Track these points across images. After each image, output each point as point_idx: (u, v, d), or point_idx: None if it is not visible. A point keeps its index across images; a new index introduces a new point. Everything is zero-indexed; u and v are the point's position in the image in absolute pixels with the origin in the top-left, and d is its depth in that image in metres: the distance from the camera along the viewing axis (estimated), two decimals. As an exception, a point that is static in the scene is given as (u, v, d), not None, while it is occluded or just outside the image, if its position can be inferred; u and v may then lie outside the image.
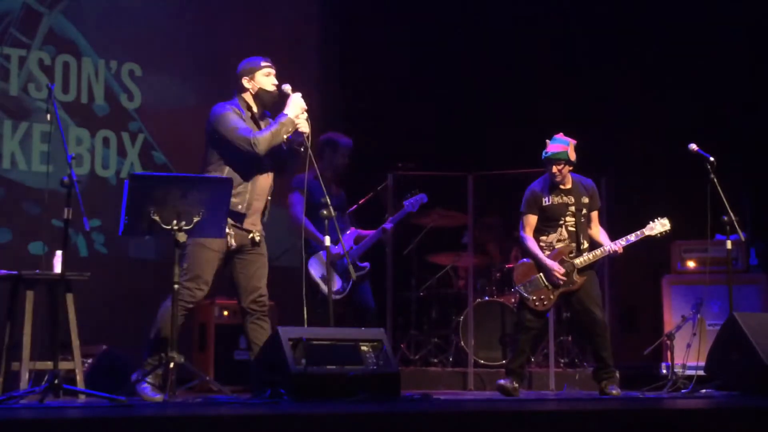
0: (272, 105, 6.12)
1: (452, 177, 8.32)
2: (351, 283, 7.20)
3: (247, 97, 6.09)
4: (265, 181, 6.08)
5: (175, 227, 5.58)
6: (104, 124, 8.37)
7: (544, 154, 6.77)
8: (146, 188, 5.61)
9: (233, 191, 5.88)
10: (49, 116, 5.80)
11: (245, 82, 6.08)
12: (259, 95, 6.07)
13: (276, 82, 6.08)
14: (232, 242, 5.96)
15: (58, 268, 6.12)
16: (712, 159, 6.88)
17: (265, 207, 6.12)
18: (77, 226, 5.72)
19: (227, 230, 5.88)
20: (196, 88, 8.79)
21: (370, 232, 7.52)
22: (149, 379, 5.78)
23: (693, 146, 6.99)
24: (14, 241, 7.83)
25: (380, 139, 9.15)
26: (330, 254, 6.23)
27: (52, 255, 6.34)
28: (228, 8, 9.02)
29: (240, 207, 5.95)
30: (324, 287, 7.06)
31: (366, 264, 7.33)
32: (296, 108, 5.96)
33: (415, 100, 9.77)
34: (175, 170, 8.33)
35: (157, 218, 5.54)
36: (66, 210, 5.45)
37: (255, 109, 6.09)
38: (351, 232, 7.44)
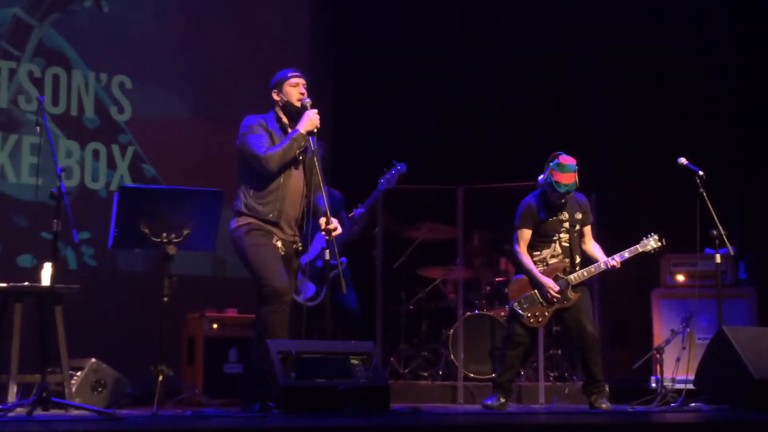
0: (298, 117, 5.99)
1: (442, 190, 8.31)
2: (325, 288, 6.81)
3: (278, 110, 6.05)
4: (295, 188, 5.99)
5: (165, 240, 5.57)
6: (94, 136, 8.36)
7: (556, 184, 6.58)
8: (136, 201, 5.61)
9: (262, 200, 5.88)
10: (38, 128, 5.80)
11: (274, 95, 6.05)
12: (287, 107, 6.03)
13: (304, 92, 6.01)
14: (283, 248, 5.92)
15: (47, 280, 6.10)
16: (701, 173, 6.88)
17: (303, 216, 6.06)
18: (66, 238, 5.71)
19: (276, 241, 5.86)
20: (186, 101, 8.80)
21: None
22: None
23: (682, 160, 6.99)
24: (3, 253, 7.81)
25: (369, 152, 9.14)
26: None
27: (40, 267, 6.32)
28: (218, 20, 9.02)
29: (271, 215, 5.89)
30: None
31: (342, 259, 6.71)
32: (309, 124, 5.91)
33: (404, 113, 9.77)
34: (165, 183, 8.32)
35: (146, 231, 5.53)
36: (55, 222, 5.45)
37: (286, 121, 6.03)
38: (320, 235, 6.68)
